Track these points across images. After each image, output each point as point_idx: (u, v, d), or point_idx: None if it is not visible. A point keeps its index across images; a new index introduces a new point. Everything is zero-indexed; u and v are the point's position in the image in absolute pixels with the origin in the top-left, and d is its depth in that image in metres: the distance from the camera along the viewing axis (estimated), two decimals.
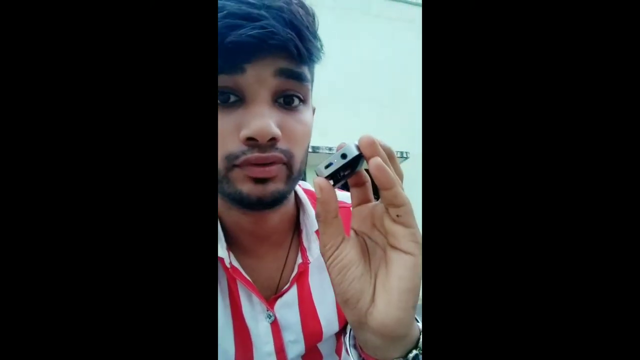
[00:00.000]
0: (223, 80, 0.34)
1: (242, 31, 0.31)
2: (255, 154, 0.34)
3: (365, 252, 0.29)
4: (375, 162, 0.24)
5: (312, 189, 0.52)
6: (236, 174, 0.35)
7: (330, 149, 5.16)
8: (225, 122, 0.34)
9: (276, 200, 0.37)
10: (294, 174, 0.37)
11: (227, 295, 0.45)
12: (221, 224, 0.45)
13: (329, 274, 0.28)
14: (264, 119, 0.33)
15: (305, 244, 0.47)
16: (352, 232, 0.30)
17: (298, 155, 0.37)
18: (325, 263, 0.28)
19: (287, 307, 0.46)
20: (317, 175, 0.27)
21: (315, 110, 0.44)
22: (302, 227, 0.48)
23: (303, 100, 0.37)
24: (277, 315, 0.46)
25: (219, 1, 0.32)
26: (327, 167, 0.26)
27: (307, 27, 0.35)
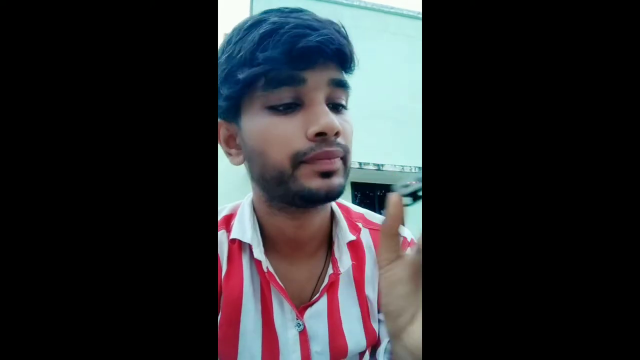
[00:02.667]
0: (284, 92, 0.38)
1: (310, 38, 0.36)
2: (324, 149, 0.38)
3: (419, 275, 0.28)
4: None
5: (345, 203, 0.54)
6: (303, 171, 0.38)
7: None
8: (288, 126, 0.38)
9: (339, 194, 0.40)
10: (347, 169, 0.41)
11: (260, 300, 0.46)
12: (261, 230, 0.47)
13: (379, 282, 0.29)
14: (329, 116, 0.37)
15: (336, 255, 0.48)
16: (415, 252, 0.30)
17: (351, 151, 0.41)
18: (379, 271, 0.30)
19: (316, 317, 0.47)
20: (395, 191, 0.28)
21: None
22: (335, 239, 0.49)
23: (346, 107, 0.42)
24: (306, 325, 0.46)
25: (277, 19, 0.38)
26: (405, 186, 0.28)
27: (348, 37, 0.41)
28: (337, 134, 0.38)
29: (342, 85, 0.40)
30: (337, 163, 0.39)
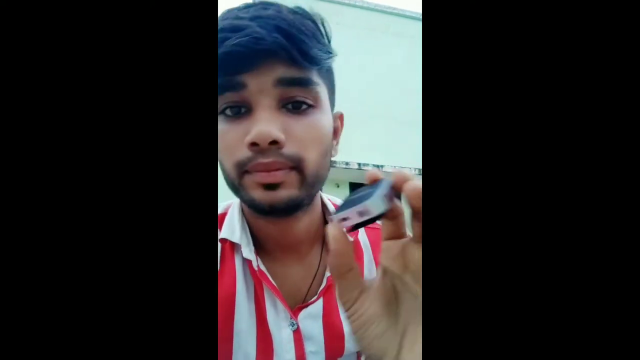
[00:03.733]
0: (229, 97, 0.36)
1: (227, 42, 0.33)
2: (259, 161, 0.35)
3: (393, 302, 0.25)
4: (412, 188, 0.22)
5: (340, 202, 0.54)
6: (247, 180, 0.37)
7: (347, 163, 5.20)
8: (234, 132, 0.36)
9: (291, 207, 0.37)
10: (307, 179, 0.37)
11: (253, 299, 0.46)
12: (250, 230, 0.46)
13: (351, 327, 0.25)
14: (264, 124, 0.34)
15: None
16: (379, 272, 0.26)
17: (310, 159, 0.37)
18: (346, 316, 0.25)
19: (311, 319, 0.47)
20: (333, 221, 0.24)
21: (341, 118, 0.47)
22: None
23: (313, 105, 0.37)
24: (300, 325, 0.46)
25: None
26: (344, 219, 0.23)
27: (302, 31, 0.35)
28: (274, 142, 0.34)
29: (296, 83, 0.36)
30: (280, 175, 0.35)
